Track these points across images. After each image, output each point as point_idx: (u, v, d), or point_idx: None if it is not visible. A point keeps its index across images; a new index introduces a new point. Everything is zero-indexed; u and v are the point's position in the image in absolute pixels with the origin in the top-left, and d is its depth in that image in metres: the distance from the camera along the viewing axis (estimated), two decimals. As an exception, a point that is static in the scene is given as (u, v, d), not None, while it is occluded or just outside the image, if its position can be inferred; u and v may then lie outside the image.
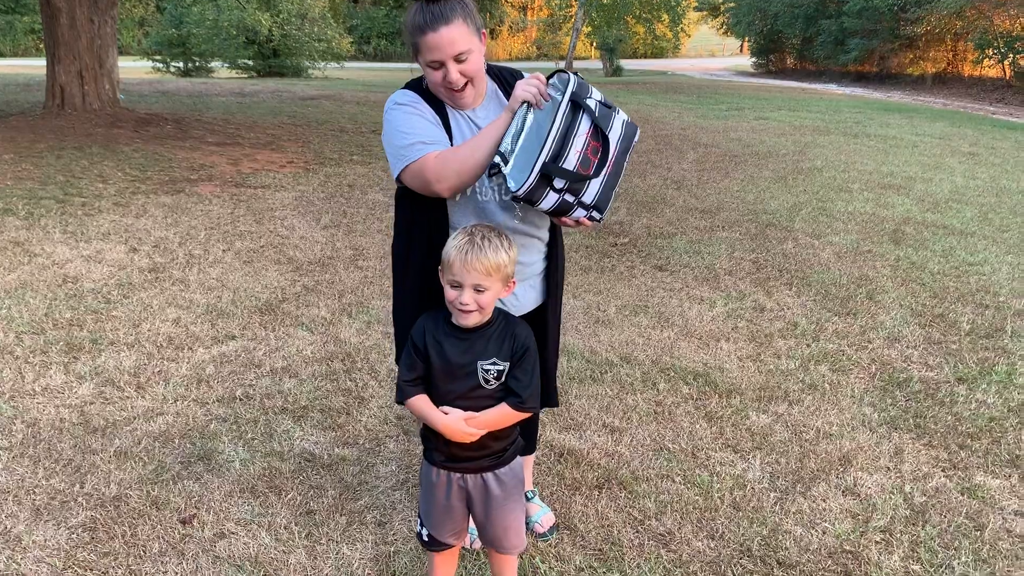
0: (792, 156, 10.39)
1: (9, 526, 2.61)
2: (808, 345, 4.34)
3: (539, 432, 3.01)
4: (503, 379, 2.04)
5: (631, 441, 3.29)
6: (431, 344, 2.05)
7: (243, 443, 3.15)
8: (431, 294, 2.19)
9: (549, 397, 2.51)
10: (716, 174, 9.02)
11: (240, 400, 3.50)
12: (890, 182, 8.73)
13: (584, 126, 1.96)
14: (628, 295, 5.03)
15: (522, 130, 1.99)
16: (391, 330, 4.26)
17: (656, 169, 9.22)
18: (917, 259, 5.87)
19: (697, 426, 3.44)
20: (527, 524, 2.67)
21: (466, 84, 2.14)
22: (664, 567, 2.57)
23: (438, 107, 2.21)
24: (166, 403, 3.43)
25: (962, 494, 3.02)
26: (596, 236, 6.24)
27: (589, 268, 5.56)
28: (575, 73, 2.04)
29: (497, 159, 2.00)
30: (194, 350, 3.95)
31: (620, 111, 2.05)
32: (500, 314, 2.10)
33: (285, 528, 2.68)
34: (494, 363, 2.03)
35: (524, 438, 2.56)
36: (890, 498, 2.98)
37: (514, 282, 2.08)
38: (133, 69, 17.90)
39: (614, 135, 1.99)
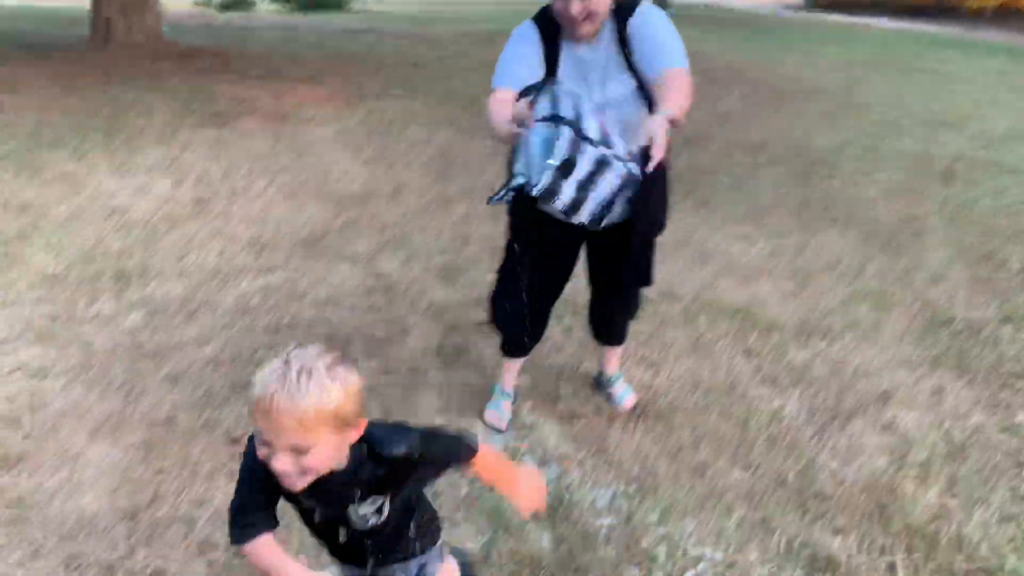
0: (841, 92, 10.12)
1: (68, 445, 2.73)
2: (850, 283, 4.30)
3: (627, 327, 3.13)
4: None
5: (669, 375, 3.31)
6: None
7: (288, 370, 3.23)
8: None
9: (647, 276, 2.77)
10: (763, 110, 8.84)
11: (285, 328, 3.58)
12: (943, 119, 8.49)
13: (589, 155, 2.09)
14: (669, 232, 4.91)
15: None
16: (431, 264, 4.31)
17: (701, 104, 9.00)
18: (967, 198, 5.74)
19: (735, 361, 3.45)
20: (612, 402, 3.06)
21: (585, 18, 2.32)
22: (699, 496, 2.61)
23: (553, 40, 2.42)
24: (214, 331, 3.52)
25: (1002, 432, 3.01)
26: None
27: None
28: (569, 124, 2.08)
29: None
30: (239, 281, 4.04)
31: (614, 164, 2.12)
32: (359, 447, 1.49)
33: (330, 451, 2.76)
34: (372, 501, 1.57)
35: (618, 331, 3.06)
36: (928, 435, 2.98)
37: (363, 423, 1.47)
38: (177, 3, 17.94)
39: (594, 199, 2.14)
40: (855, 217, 5.31)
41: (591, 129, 2.10)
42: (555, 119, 2.08)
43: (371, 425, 1.50)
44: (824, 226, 5.15)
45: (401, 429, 1.59)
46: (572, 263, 2.75)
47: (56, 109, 7.44)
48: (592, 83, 2.44)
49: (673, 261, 4.50)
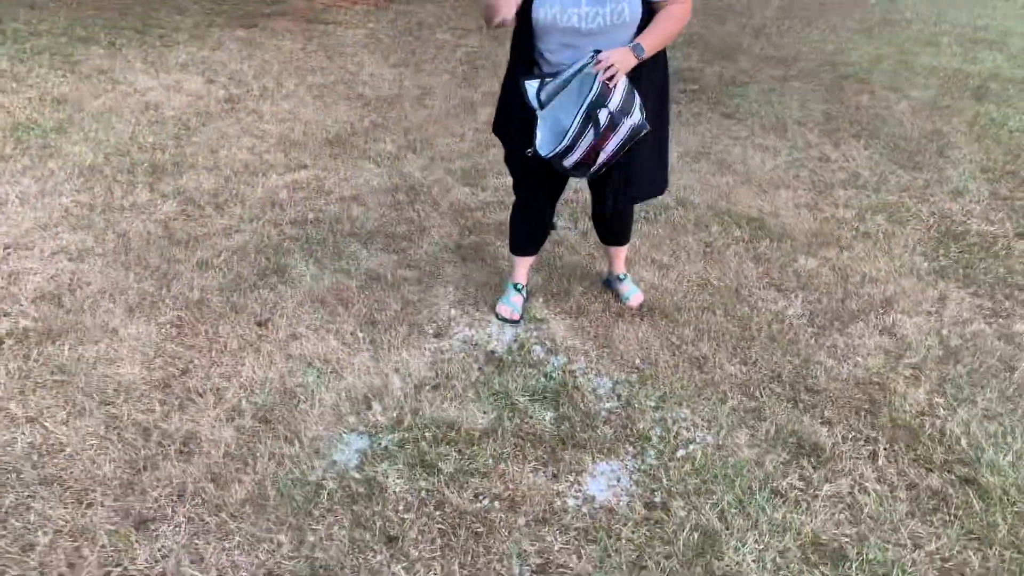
0: (880, 6, 9.85)
1: (107, 320, 2.92)
2: (868, 196, 4.34)
3: (631, 233, 3.21)
4: None
5: (677, 276, 3.42)
6: None
7: (314, 260, 3.39)
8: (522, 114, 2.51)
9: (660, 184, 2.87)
10: (798, 23, 8.66)
11: (311, 223, 3.72)
12: (983, 36, 8.27)
13: (588, 139, 2.36)
14: (692, 141, 5.03)
15: (558, 91, 2.40)
16: (453, 166, 4.41)
17: (736, 16, 8.88)
18: (997, 116, 5.67)
19: (744, 266, 3.54)
20: (620, 298, 3.21)
21: None
22: (696, 385, 2.75)
23: None
24: (243, 222, 3.68)
25: (999, 339, 3.10)
26: (665, 82, 6.15)
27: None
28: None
29: (535, 103, 2.42)
30: (268, 176, 4.17)
31: (635, 113, 2.38)
32: None
33: (351, 334, 2.93)
34: None
35: (620, 232, 3.09)
36: (926, 339, 3.08)
37: None
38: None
39: (610, 146, 2.39)
40: (881, 132, 5.29)
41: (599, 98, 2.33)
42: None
43: None
44: (849, 140, 5.14)
45: None
46: (564, 178, 2.83)
47: (90, 4, 7.51)
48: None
49: (692, 171, 4.55)
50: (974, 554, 2.17)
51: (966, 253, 3.75)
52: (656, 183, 2.83)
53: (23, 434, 2.37)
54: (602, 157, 2.43)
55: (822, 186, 4.44)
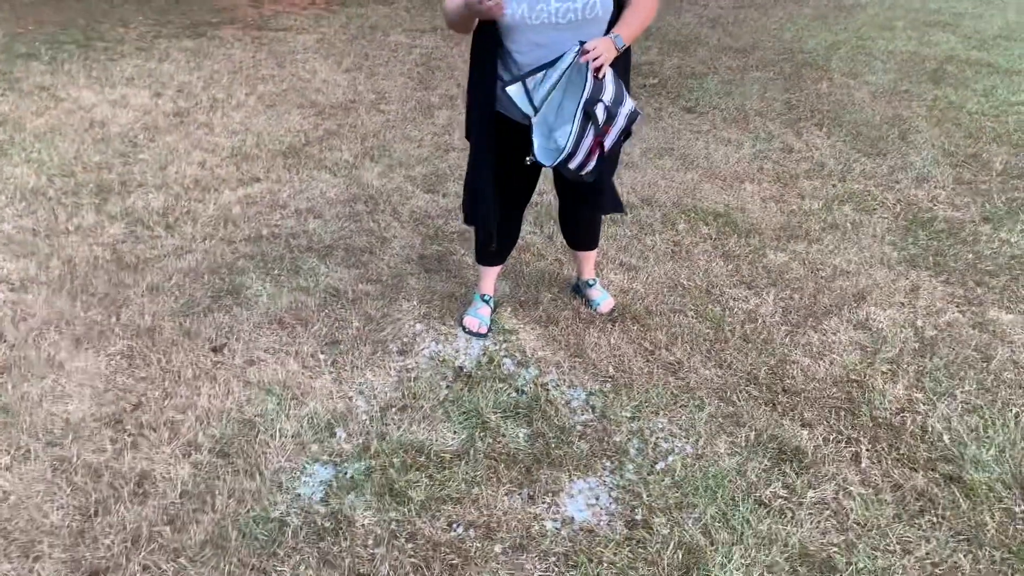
0: (835, -8, 9.87)
1: (52, 353, 2.77)
2: (834, 185, 4.29)
3: (600, 236, 3.12)
4: None
5: (647, 278, 3.34)
6: None
7: (270, 279, 3.26)
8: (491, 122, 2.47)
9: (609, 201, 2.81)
10: (753, 12, 8.64)
11: (266, 239, 3.58)
12: (937, 19, 8.31)
13: (590, 137, 2.26)
14: (654, 137, 4.96)
15: (547, 95, 2.29)
16: (413, 173, 4.29)
17: (692, 7, 8.84)
18: (956, 99, 5.67)
19: (713, 264, 3.47)
20: (590, 305, 3.12)
21: None
22: (672, 393, 2.67)
23: None
24: (195, 241, 3.53)
25: (974, 328, 3.06)
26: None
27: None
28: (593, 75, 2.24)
29: (528, 109, 2.33)
30: (220, 191, 4.02)
31: (627, 100, 2.29)
32: None
33: (312, 356, 2.81)
34: None
35: (589, 236, 2.98)
36: (901, 332, 3.03)
37: None
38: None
39: (611, 138, 2.30)
40: (842, 119, 5.26)
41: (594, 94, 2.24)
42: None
43: None
44: (811, 129, 5.11)
45: None
46: (536, 174, 2.73)
47: (30, 20, 7.28)
48: None
49: (655, 168, 4.48)
50: (964, 556, 2.11)
51: (935, 240, 3.71)
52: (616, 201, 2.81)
53: (-37, 484, 2.22)
54: (606, 149, 2.34)
55: (787, 178, 4.39)
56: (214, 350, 2.82)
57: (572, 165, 2.31)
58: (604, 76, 2.23)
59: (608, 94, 2.22)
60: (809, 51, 7.00)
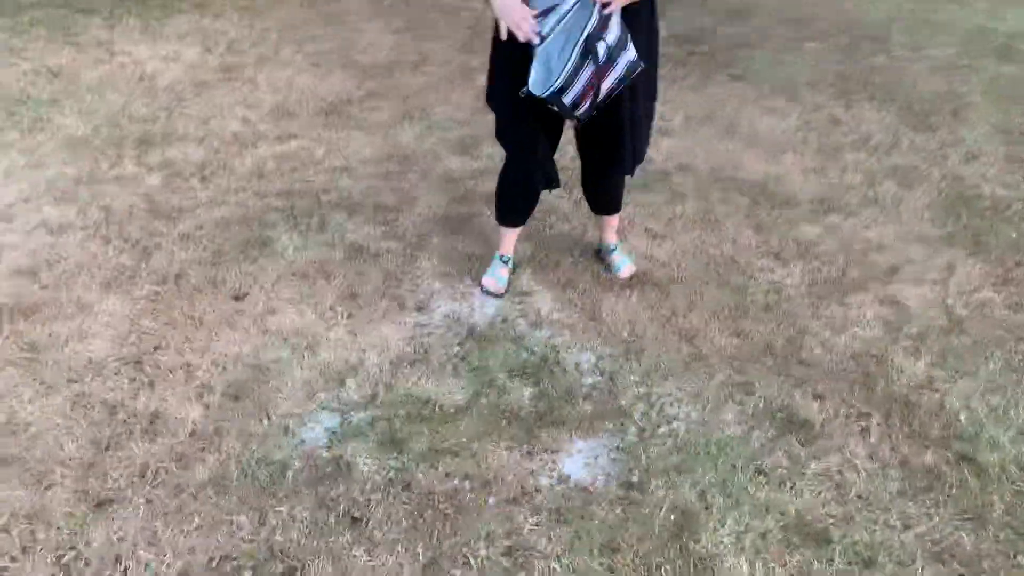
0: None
1: (82, 295, 2.87)
2: (879, 159, 4.17)
3: (623, 201, 3.09)
4: None
5: (672, 246, 3.30)
6: None
7: (297, 232, 3.31)
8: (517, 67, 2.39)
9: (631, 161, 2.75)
10: (816, -18, 8.37)
11: (298, 194, 3.63)
12: (1011, -8, 7.94)
13: (588, 72, 2.27)
14: (698, 105, 4.87)
15: (557, 25, 2.27)
16: (448, 135, 4.30)
17: (751, -24, 8.60)
18: (1019, 76, 5.43)
19: (743, 234, 3.41)
20: (611, 270, 3.08)
21: None
22: (684, 360, 2.65)
23: None
24: (228, 194, 3.60)
25: (1007, 308, 2.96)
26: (674, 45, 5.97)
27: (661, 77, 5.33)
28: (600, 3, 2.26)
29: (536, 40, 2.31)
30: (258, 147, 4.08)
31: (630, 49, 2.32)
32: None
33: (330, 308, 2.85)
34: None
35: (611, 200, 2.97)
36: (930, 309, 2.95)
37: None
38: None
39: (608, 82, 2.32)
40: (896, 93, 5.09)
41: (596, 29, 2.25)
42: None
43: None
44: (862, 101, 4.95)
45: None
46: (558, 134, 2.71)
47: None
48: None
49: (695, 135, 4.41)
50: (967, 535, 2.06)
51: (977, 218, 3.58)
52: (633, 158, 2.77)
53: (-13, 413, 2.33)
54: (603, 93, 2.35)
55: (830, 150, 4.27)
56: (236, 298, 2.89)
57: (566, 99, 2.31)
58: (610, 17, 2.24)
59: (611, 36, 2.25)
60: (869, 23, 6.76)
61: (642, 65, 2.35)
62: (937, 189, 3.86)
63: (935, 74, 5.47)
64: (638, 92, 2.55)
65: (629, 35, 2.32)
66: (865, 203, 3.71)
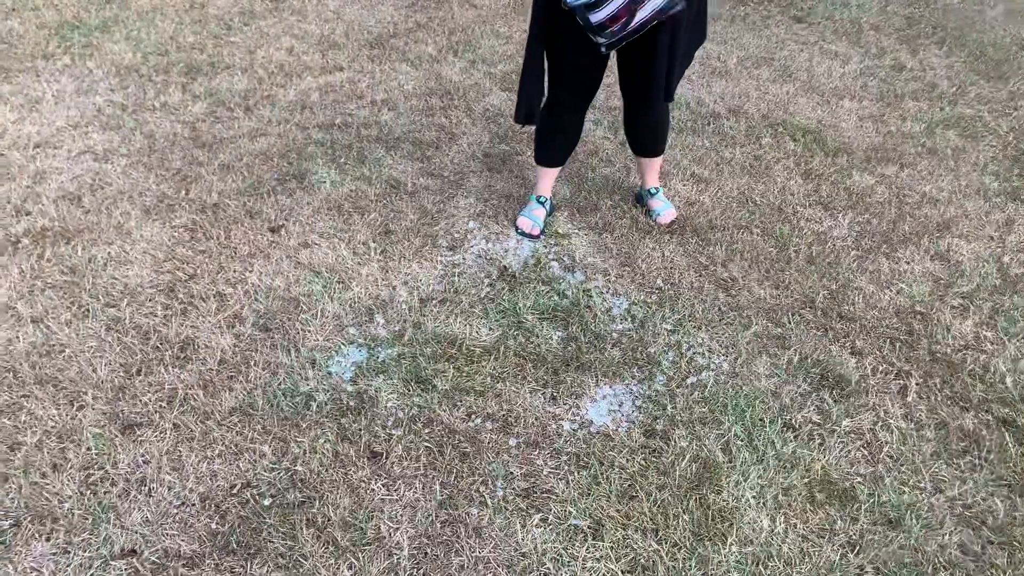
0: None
1: (123, 222, 2.90)
2: (942, 108, 3.98)
3: (666, 143, 2.98)
4: None
5: (717, 192, 3.21)
6: None
7: (336, 166, 3.29)
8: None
9: (669, 90, 2.61)
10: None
11: (338, 127, 3.60)
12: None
13: None
14: (755, 46, 4.69)
15: None
16: (494, 70, 4.21)
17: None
18: (1105, 21, 5.11)
19: (792, 182, 3.30)
20: (651, 215, 3.01)
21: None
22: (719, 309, 2.59)
23: None
24: (270, 125, 3.59)
25: (1067, 269, 2.82)
26: (735, -17, 5.74)
27: (719, 15, 5.17)
28: None
29: None
30: (302, 78, 4.05)
31: None
32: None
33: (363, 244, 2.84)
34: None
35: (653, 140, 2.88)
36: (983, 266, 2.82)
37: None
38: None
39: (644, 12, 2.24)
40: (967, 38, 4.84)
41: None
42: None
43: None
44: (929, 47, 4.72)
45: None
46: (599, 71, 2.61)
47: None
48: None
49: (750, 76, 4.25)
50: (1001, 501, 2.00)
51: (1044, 174, 3.41)
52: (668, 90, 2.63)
53: (26, 334, 2.38)
54: (635, 22, 2.26)
55: (891, 97, 4.09)
56: (272, 230, 2.89)
57: (596, 17, 2.24)
58: None
59: None
60: (946, -38, 6.41)
61: (682, 5, 2.24)
62: (1003, 142, 3.68)
63: (1011, 18, 5.17)
64: (680, 28, 2.43)
65: None
66: (923, 153, 3.56)
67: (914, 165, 3.46)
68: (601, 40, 2.32)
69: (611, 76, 3.10)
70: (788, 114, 3.87)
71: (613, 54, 2.55)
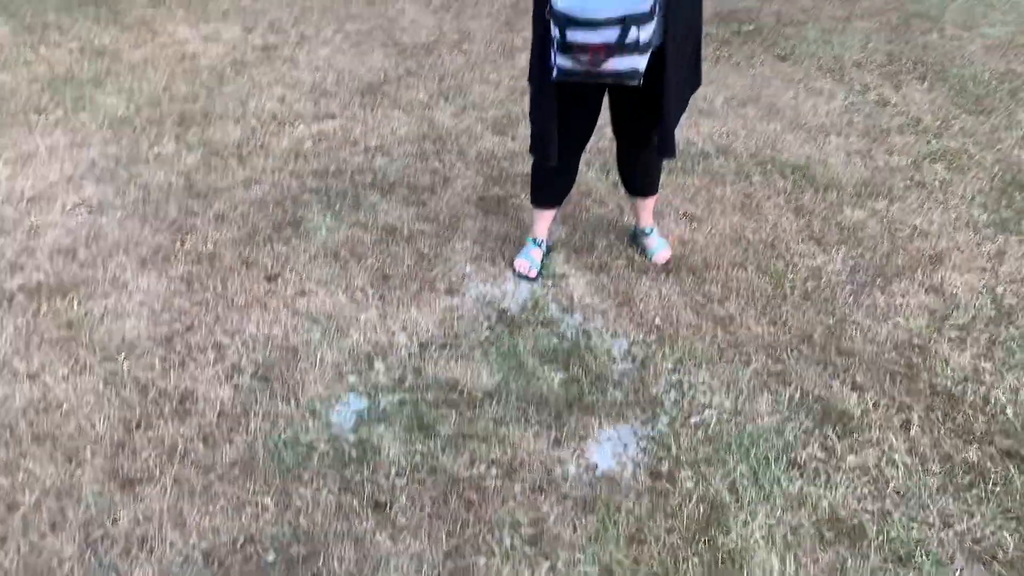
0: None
1: (118, 274, 2.90)
2: (928, 142, 4.03)
3: (659, 183, 3.01)
4: None
5: (710, 230, 3.23)
6: None
7: (331, 213, 3.30)
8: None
9: (666, 147, 2.58)
10: (869, -42, 8.12)
11: (333, 174, 3.62)
12: (1074, -33, 7.63)
13: (612, 35, 2.16)
14: (740, 86, 4.75)
15: None
16: (486, 115, 4.25)
17: (801, -48, 8.37)
18: (1082, 54, 5.21)
19: (784, 219, 3.33)
20: (646, 254, 3.02)
21: None
22: (718, 347, 2.59)
23: None
24: (264, 173, 3.60)
25: (1060, 299, 2.85)
26: (718, 24, 5.84)
27: (704, 57, 5.24)
28: None
29: None
30: (295, 126, 4.08)
31: (645, 58, 2.23)
32: None
33: (360, 290, 2.84)
34: None
35: (646, 181, 2.90)
36: (978, 298, 2.84)
37: None
38: None
39: (613, 64, 2.21)
40: (948, 73, 4.92)
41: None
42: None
43: None
44: (911, 82, 4.80)
45: None
46: (593, 114, 2.64)
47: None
48: None
49: (737, 116, 4.30)
50: (1010, 535, 1.99)
51: (1032, 204, 3.45)
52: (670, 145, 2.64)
53: (22, 390, 2.36)
54: (603, 67, 2.23)
55: (877, 132, 4.14)
56: (268, 279, 2.89)
57: (573, 36, 2.19)
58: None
59: (647, 33, 2.14)
60: (922, 0, 6.54)
61: (637, 81, 2.27)
62: (989, 174, 3.72)
63: (990, 54, 5.27)
64: (673, 76, 2.46)
65: (651, 51, 2.26)
66: (911, 187, 3.60)
67: (903, 199, 3.49)
68: (560, 62, 2.27)
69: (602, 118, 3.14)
70: (776, 151, 3.92)
71: (606, 98, 2.59)
